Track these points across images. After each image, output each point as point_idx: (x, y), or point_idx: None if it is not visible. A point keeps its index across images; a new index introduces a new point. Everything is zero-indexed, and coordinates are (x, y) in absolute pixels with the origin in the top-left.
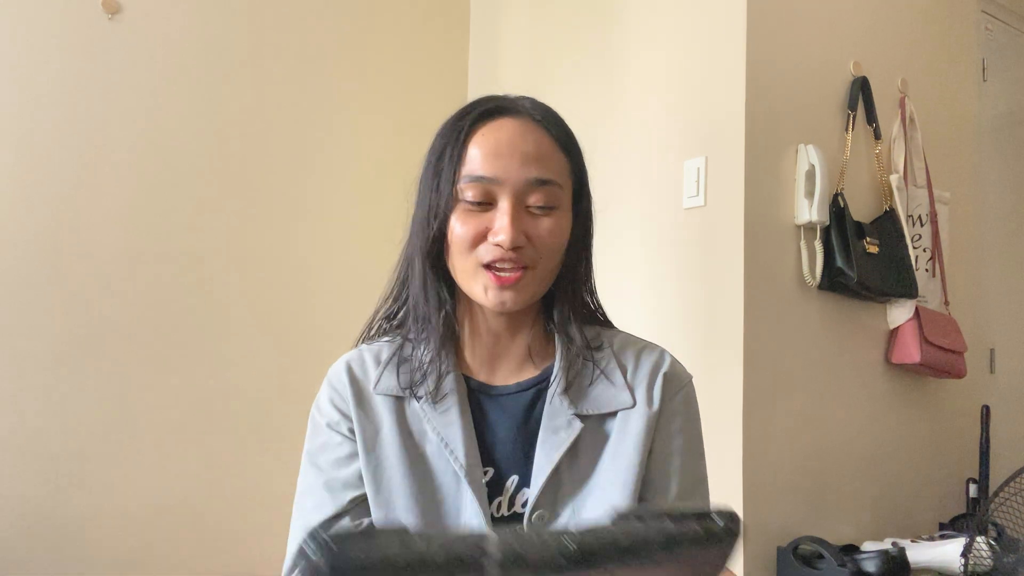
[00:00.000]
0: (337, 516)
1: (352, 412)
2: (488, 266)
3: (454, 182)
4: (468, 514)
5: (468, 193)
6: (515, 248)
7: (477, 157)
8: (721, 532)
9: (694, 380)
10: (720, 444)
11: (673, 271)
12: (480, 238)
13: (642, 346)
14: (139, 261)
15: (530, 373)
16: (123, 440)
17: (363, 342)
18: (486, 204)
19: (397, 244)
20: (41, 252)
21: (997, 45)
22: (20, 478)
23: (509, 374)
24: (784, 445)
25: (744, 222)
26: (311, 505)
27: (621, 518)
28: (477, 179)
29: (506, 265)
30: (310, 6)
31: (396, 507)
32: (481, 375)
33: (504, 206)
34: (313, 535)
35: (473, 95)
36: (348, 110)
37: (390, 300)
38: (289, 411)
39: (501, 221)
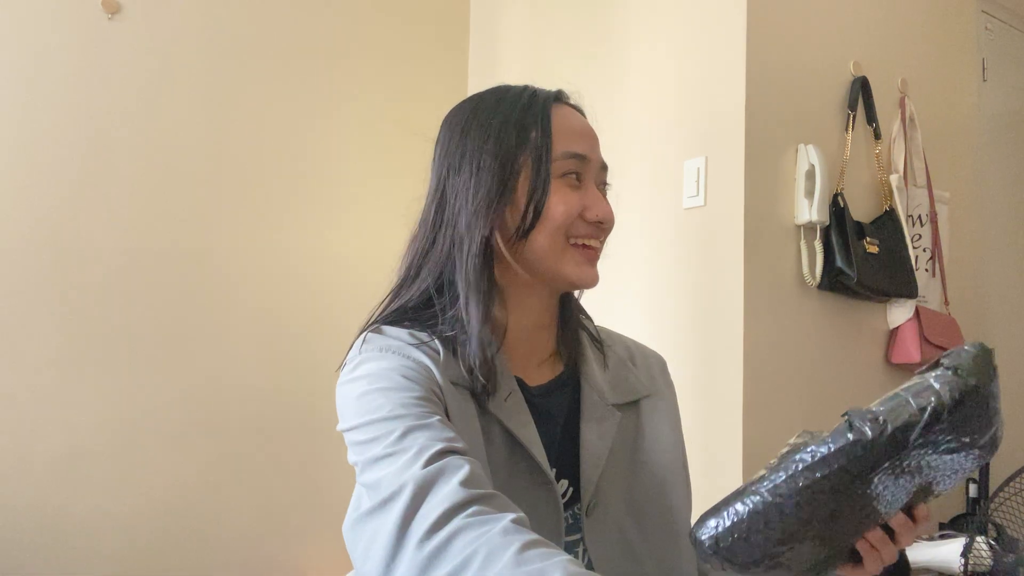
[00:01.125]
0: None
1: (439, 380)
2: (575, 244)
3: (549, 160)
4: (544, 511)
5: (565, 170)
6: (611, 223)
7: (569, 135)
8: (999, 440)
9: (694, 380)
10: (720, 444)
11: (673, 271)
12: (575, 215)
13: (629, 340)
14: (139, 261)
15: (558, 370)
16: (123, 440)
17: (385, 323)
18: (577, 181)
19: (398, 244)
20: (41, 252)
21: (997, 45)
22: (20, 478)
23: (541, 373)
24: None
25: (744, 222)
26: (417, 413)
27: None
28: (573, 155)
29: (597, 244)
30: (310, 6)
31: None
32: (520, 373)
33: (593, 184)
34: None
35: (473, 93)
36: (349, 109)
37: (415, 293)
38: (290, 412)
39: (599, 200)
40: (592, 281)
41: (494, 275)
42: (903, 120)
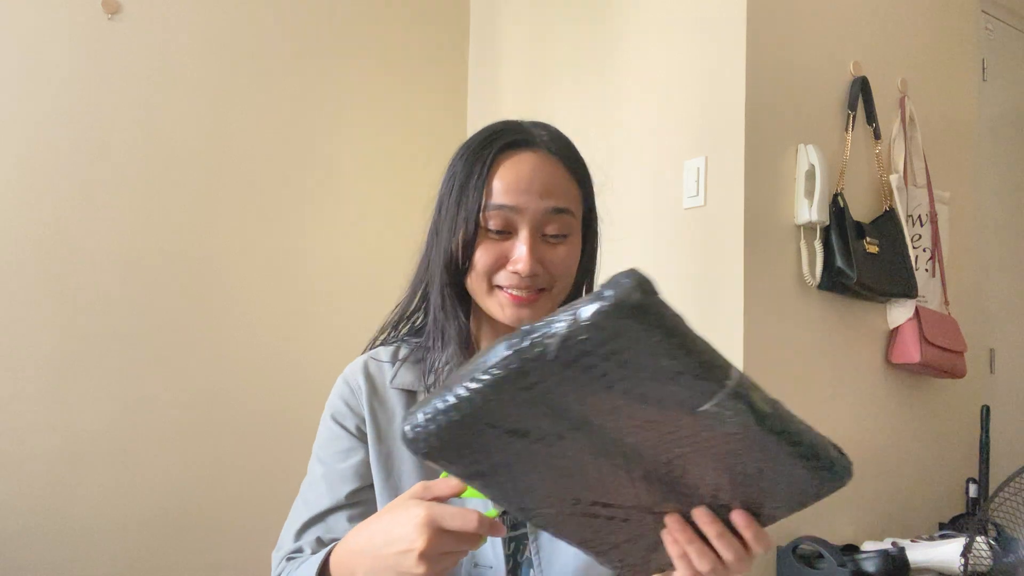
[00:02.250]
0: (333, 509)
1: (364, 405)
2: (501, 288)
3: (479, 211)
4: (473, 504)
5: (491, 222)
6: (531, 275)
7: (500, 188)
8: (846, 470)
9: None
10: None
11: (673, 271)
12: (499, 265)
13: None
14: (139, 261)
15: None
16: (122, 441)
17: (378, 344)
18: (506, 233)
19: (398, 246)
20: (41, 252)
21: (997, 45)
22: (20, 478)
23: None
24: None
25: (744, 222)
26: (312, 496)
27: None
28: (499, 207)
29: (523, 291)
30: (310, 6)
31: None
32: None
33: (523, 235)
34: (629, 273)
35: (473, 95)
36: (350, 110)
37: (410, 309)
38: (290, 412)
39: (520, 251)
40: (518, 323)
41: (461, 302)
42: (903, 120)
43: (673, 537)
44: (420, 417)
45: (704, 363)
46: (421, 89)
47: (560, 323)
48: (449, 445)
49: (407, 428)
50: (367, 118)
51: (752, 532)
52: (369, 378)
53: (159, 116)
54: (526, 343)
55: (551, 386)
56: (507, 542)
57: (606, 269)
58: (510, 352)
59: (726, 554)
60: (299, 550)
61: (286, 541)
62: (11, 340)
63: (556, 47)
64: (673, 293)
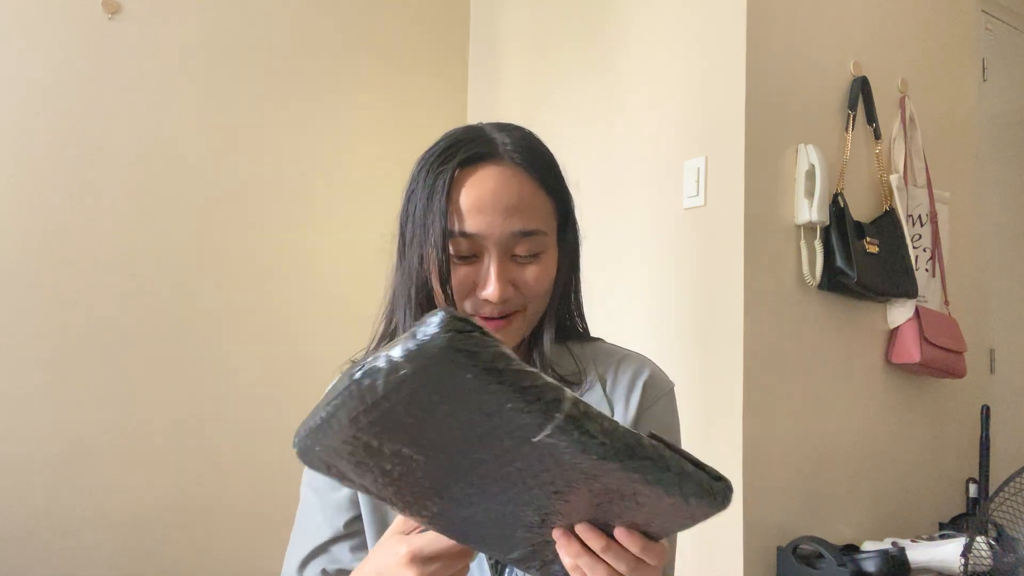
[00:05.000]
0: (335, 539)
1: None
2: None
3: (444, 236)
4: None
5: (456, 247)
6: (503, 300)
7: (462, 212)
8: (721, 494)
9: (694, 381)
10: (720, 444)
11: (673, 271)
12: (468, 291)
13: (622, 356)
14: (139, 261)
15: None
16: (123, 441)
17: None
18: (472, 257)
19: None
20: (41, 252)
21: (997, 45)
22: (20, 478)
23: None
24: (784, 445)
25: (744, 222)
26: (310, 528)
27: (654, 438)
28: (462, 235)
29: (495, 314)
30: (311, 7)
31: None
32: None
33: (490, 260)
34: (437, 314)
35: (474, 95)
36: (349, 110)
37: (382, 325)
38: (290, 413)
39: (487, 277)
40: None
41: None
42: (903, 120)
43: (563, 551)
44: (300, 433)
45: (528, 397)
46: (421, 89)
47: (381, 360)
48: (331, 461)
49: (295, 440)
50: (367, 118)
51: (639, 547)
52: None
53: (159, 116)
54: (357, 376)
55: (397, 415)
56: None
57: (606, 269)
58: (350, 382)
59: (618, 565)
60: None
61: (290, 572)
62: (11, 340)
63: (556, 47)
64: (673, 293)
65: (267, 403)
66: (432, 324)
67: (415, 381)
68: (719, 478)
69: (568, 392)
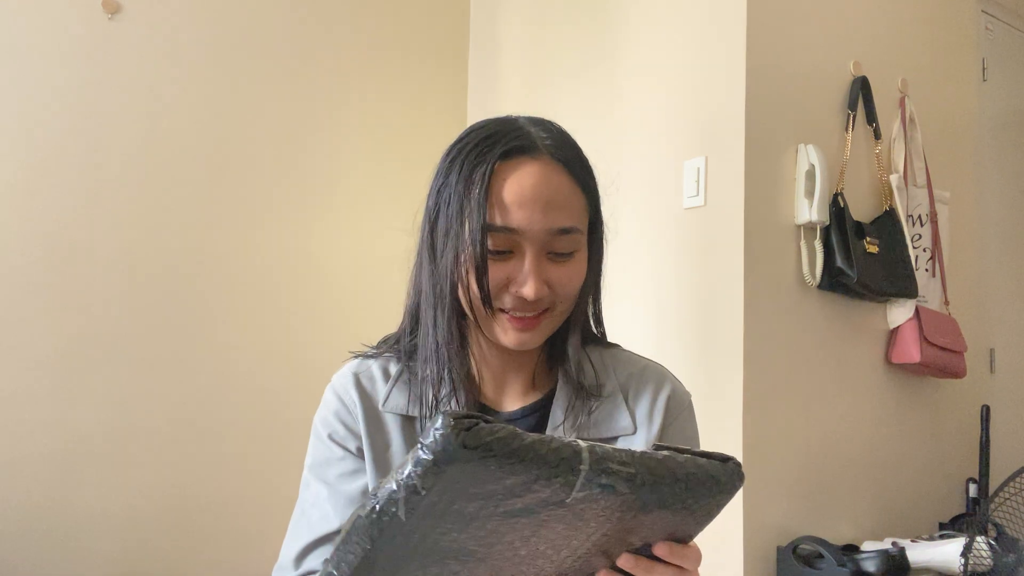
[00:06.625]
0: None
1: (361, 427)
2: (503, 311)
3: (483, 229)
4: None
5: (492, 243)
6: (537, 299)
7: (501, 206)
8: (732, 478)
9: (694, 380)
10: (720, 445)
11: (673, 271)
12: (503, 287)
13: (643, 366)
14: (139, 261)
15: (535, 396)
16: (123, 440)
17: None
18: (507, 252)
19: (396, 247)
20: (41, 252)
21: (997, 45)
22: (20, 478)
23: (515, 398)
24: (784, 445)
25: (744, 222)
26: (317, 517)
27: (661, 448)
28: (501, 229)
29: (527, 312)
30: (311, 6)
31: None
32: (488, 399)
33: (528, 257)
34: (441, 421)
35: (473, 95)
36: (350, 110)
37: (407, 321)
38: (290, 413)
39: (525, 274)
40: (520, 346)
41: (458, 318)
42: (903, 120)
43: None
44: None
45: (550, 463)
46: (421, 89)
47: (393, 487)
48: None
49: None
50: (367, 118)
51: (679, 557)
52: (364, 396)
53: (159, 116)
54: (375, 514)
55: (423, 535)
56: None
57: (607, 270)
58: (368, 523)
59: None
60: (308, 573)
61: (288, 560)
62: (11, 340)
63: (556, 47)
64: (673, 293)
65: (267, 403)
66: (438, 432)
67: (434, 493)
68: (726, 459)
69: (580, 442)
